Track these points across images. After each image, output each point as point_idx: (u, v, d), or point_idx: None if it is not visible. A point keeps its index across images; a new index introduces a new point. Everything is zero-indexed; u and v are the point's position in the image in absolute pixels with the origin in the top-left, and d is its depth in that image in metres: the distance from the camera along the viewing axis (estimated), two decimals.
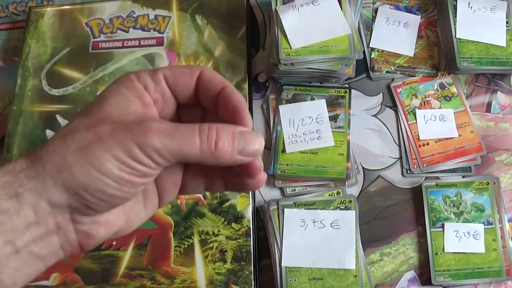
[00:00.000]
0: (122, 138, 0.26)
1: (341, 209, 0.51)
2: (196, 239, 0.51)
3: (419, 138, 0.54)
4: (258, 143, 0.28)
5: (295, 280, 0.49)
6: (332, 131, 0.54)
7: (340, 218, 0.50)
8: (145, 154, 0.26)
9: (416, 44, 0.58)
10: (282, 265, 0.49)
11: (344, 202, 0.51)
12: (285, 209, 0.51)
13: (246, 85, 0.56)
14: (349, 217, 0.50)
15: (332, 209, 0.51)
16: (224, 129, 0.27)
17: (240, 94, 0.29)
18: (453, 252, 0.49)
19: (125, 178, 0.26)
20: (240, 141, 0.28)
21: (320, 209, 0.51)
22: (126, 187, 0.27)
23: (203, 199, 0.52)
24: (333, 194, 0.52)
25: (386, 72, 0.57)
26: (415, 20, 0.59)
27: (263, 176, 0.31)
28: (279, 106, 0.55)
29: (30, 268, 0.27)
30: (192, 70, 0.30)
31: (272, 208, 0.51)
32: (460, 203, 0.51)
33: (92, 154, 0.26)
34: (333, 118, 0.54)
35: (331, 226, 0.50)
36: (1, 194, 0.25)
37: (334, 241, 0.49)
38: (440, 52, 0.58)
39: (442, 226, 0.50)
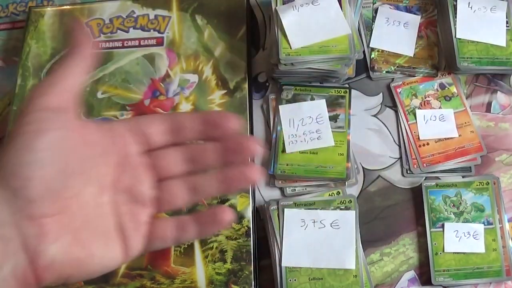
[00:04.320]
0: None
1: (341, 209, 0.51)
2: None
3: (419, 138, 0.54)
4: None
5: (295, 280, 0.49)
6: (332, 131, 0.54)
7: (340, 218, 0.50)
8: None
9: (416, 44, 0.58)
10: (282, 265, 0.49)
11: (344, 202, 0.51)
12: (285, 209, 0.51)
13: (246, 85, 0.56)
14: (349, 217, 0.50)
15: (332, 209, 0.51)
16: None
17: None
18: (453, 252, 0.49)
19: None
20: None
21: (320, 209, 0.51)
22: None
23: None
24: (333, 194, 0.52)
25: (386, 72, 0.57)
26: (415, 20, 0.59)
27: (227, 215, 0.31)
28: (279, 106, 0.55)
29: None
30: None
31: (272, 208, 0.51)
32: (460, 203, 0.51)
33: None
34: (333, 118, 0.54)
35: (331, 226, 0.50)
36: None
37: (334, 241, 0.49)
38: (440, 52, 0.58)
39: (442, 226, 0.50)
